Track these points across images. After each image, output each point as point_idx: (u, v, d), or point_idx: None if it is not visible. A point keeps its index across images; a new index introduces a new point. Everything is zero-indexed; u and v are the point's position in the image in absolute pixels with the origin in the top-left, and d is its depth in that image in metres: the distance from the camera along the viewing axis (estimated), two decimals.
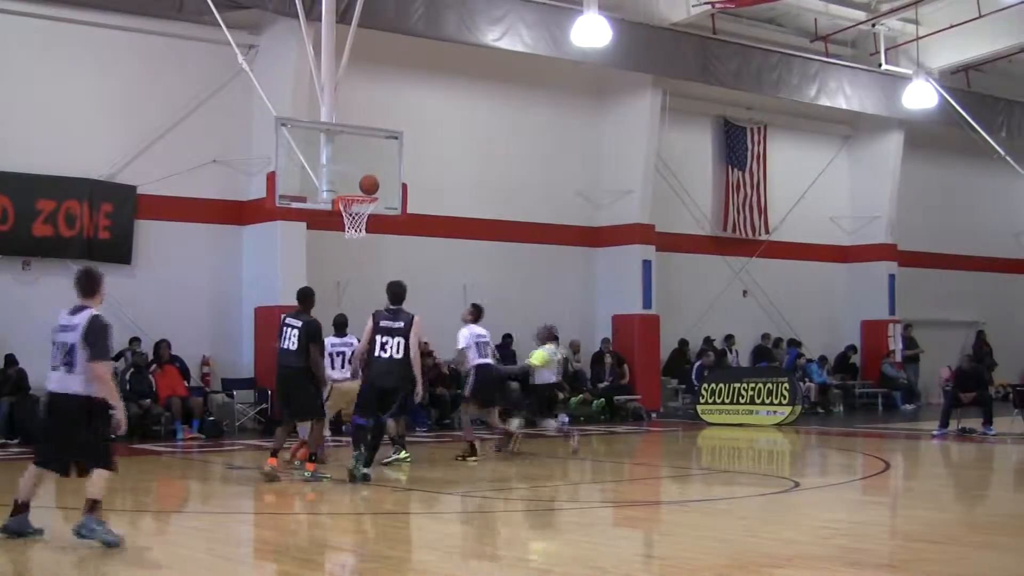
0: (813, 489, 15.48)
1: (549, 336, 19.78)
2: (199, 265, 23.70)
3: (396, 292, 15.55)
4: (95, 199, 22.37)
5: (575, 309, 28.84)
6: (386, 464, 16.86)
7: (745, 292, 31.61)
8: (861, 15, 30.01)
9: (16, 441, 20.27)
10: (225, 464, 18.50)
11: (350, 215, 18.74)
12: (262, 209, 22.35)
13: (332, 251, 22.95)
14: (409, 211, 19.95)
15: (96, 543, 10.25)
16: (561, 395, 22.92)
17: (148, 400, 21.88)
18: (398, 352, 15.10)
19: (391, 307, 15.49)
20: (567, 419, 26.19)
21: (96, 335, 10.36)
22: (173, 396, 22.02)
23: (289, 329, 15.54)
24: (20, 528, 10.60)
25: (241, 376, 23.79)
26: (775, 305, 31.87)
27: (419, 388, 15.73)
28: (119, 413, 10.52)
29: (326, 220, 21.39)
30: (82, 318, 10.44)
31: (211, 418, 22.58)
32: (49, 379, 10.68)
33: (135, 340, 22.55)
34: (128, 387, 21.86)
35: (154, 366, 22.43)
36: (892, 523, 13.20)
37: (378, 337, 15.17)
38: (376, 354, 15.20)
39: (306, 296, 16.01)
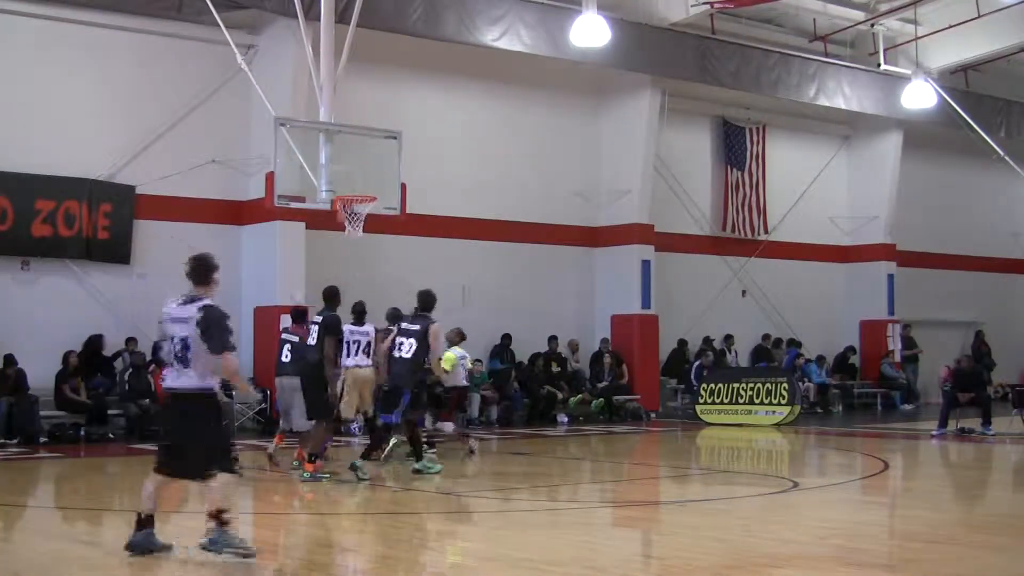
0: (812, 489, 15.49)
1: (459, 338, 19.73)
2: None
3: (423, 300, 16.18)
4: (94, 199, 22.37)
5: (574, 309, 28.86)
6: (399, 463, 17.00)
7: (744, 292, 31.62)
8: (860, 15, 30.01)
9: (15, 441, 20.24)
10: None
11: (349, 214, 18.75)
12: (261, 209, 22.37)
13: (331, 251, 22.96)
14: (408, 211, 19.98)
15: (226, 555, 9.63)
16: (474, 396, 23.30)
17: (147, 400, 21.87)
18: (408, 352, 15.66)
19: (417, 313, 16.07)
20: (567, 419, 26.31)
21: (213, 326, 9.78)
22: None
23: (314, 326, 16.04)
24: (147, 544, 9.84)
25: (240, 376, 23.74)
26: (774, 305, 31.88)
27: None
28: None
29: (325, 220, 21.39)
30: (195, 309, 9.85)
31: None
32: (165, 376, 10.09)
33: (131, 340, 22.54)
34: (127, 387, 21.87)
35: (152, 366, 22.42)
36: (891, 523, 13.21)
37: (397, 339, 15.87)
38: (393, 354, 15.89)
39: (332, 295, 16.36)
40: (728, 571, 9.56)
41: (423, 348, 15.71)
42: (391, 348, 15.95)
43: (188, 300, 9.99)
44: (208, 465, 9.69)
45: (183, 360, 9.77)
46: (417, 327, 15.79)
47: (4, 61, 22.08)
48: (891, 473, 17.79)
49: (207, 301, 9.93)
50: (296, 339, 16.86)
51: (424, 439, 16.72)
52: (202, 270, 10.17)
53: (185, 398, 9.76)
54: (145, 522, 9.85)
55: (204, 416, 9.78)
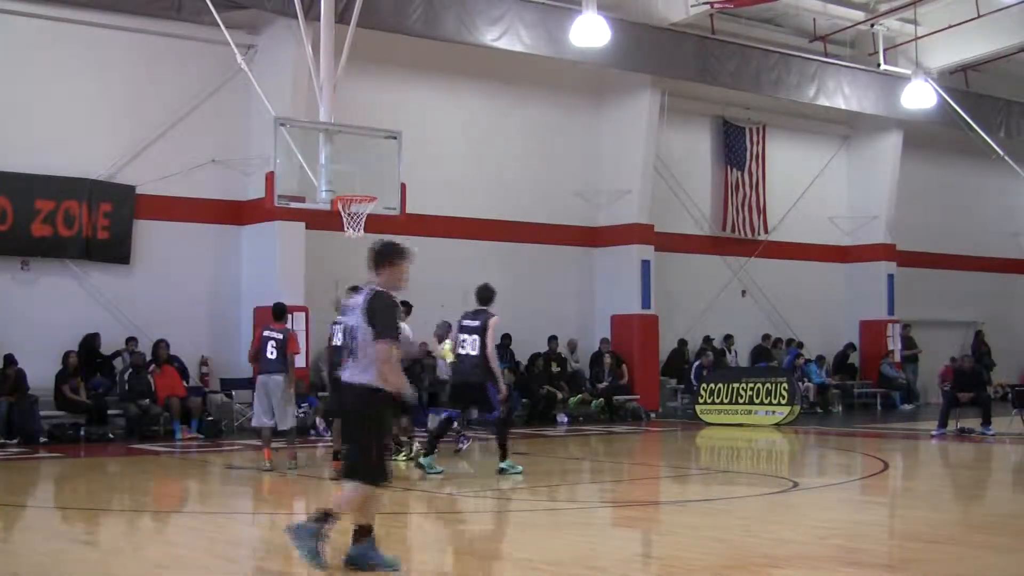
0: (811, 489, 15.49)
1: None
2: (198, 265, 23.70)
3: (482, 296, 16.25)
4: (94, 199, 22.38)
5: (574, 309, 28.86)
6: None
7: (744, 292, 31.63)
8: (860, 15, 30.01)
9: (15, 441, 20.24)
10: (224, 464, 18.49)
11: (349, 215, 18.76)
12: (261, 209, 22.38)
13: (331, 251, 22.94)
14: (408, 211, 19.98)
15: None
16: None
17: (147, 400, 21.88)
18: (473, 349, 15.91)
19: (476, 308, 16.15)
20: (566, 419, 26.31)
21: (376, 311, 9.17)
22: (172, 396, 22.02)
23: (339, 327, 14.97)
24: (364, 558, 9.27)
25: (240, 376, 23.74)
26: (774, 305, 31.88)
27: (501, 386, 16.14)
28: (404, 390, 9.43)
29: (325, 220, 21.39)
30: (362, 296, 9.31)
31: (210, 418, 22.57)
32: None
33: (131, 340, 22.56)
34: (127, 387, 21.89)
35: (152, 366, 22.44)
36: (890, 523, 13.20)
37: (459, 336, 16.13)
38: (457, 351, 16.25)
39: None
40: (728, 571, 9.56)
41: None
42: (455, 347, 16.24)
43: (359, 288, 9.55)
44: (352, 469, 9.39)
45: (352, 351, 9.31)
46: (477, 323, 15.96)
47: (3, 61, 22.09)
48: (891, 473, 17.78)
49: (375, 287, 9.35)
50: (280, 336, 16.75)
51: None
52: (378, 254, 9.46)
53: (350, 391, 9.29)
54: (358, 533, 9.34)
55: (363, 413, 9.29)
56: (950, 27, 29.28)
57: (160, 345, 22.59)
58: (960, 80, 32.74)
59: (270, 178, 19.18)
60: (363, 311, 9.20)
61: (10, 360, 21.09)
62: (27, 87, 22.22)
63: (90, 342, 22.33)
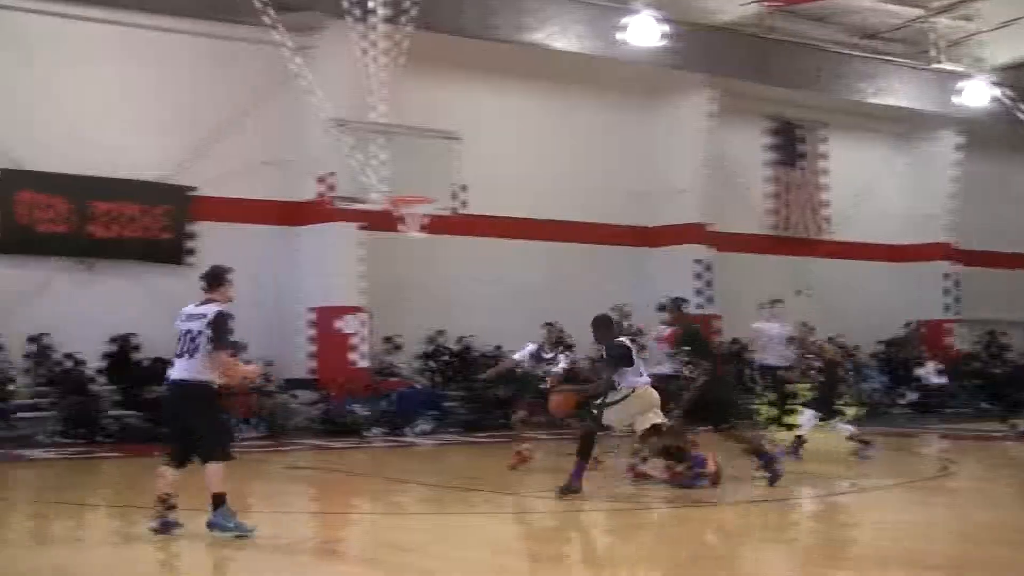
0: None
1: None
2: (255, 266, 23.75)
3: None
4: (151, 201, 22.59)
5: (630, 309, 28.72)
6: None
7: (799, 291, 31.22)
8: (916, 12, 29.73)
9: None
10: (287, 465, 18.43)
11: (406, 215, 18.81)
12: (318, 210, 22.42)
13: (390, 252, 22.96)
14: (464, 212, 20.00)
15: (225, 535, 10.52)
16: None
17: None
18: None
19: None
20: None
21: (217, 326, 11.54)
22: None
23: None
24: (168, 527, 10.69)
25: (298, 376, 23.79)
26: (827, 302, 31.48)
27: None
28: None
29: (385, 221, 21.42)
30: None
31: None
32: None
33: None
34: None
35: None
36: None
37: None
38: None
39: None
40: None
41: None
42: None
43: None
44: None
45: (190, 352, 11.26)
46: None
47: (63, 65, 22.27)
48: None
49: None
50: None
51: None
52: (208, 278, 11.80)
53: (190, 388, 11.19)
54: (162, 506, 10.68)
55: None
56: (1009, 23, 28.88)
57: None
58: (1020, 77, 32.27)
59: (327, 179, 19.25)
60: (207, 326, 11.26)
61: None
62: (93, 88, 22.44)
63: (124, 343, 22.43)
